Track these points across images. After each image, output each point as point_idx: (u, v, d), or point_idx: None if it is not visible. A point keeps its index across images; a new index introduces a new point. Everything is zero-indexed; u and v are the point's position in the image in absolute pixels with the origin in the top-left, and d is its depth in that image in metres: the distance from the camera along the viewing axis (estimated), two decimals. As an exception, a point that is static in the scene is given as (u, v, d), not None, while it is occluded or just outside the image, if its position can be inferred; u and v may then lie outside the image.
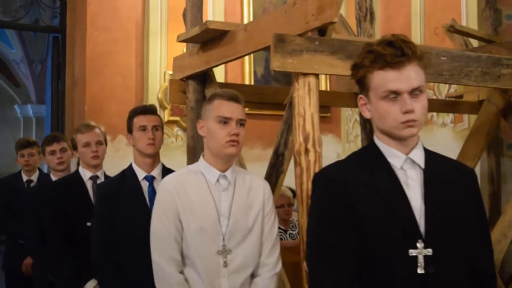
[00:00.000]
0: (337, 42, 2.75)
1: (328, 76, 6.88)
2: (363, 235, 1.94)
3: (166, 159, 3.54)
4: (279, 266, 2.71)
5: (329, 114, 7.10)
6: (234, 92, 2.68)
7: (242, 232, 2.61)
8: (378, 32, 8.18)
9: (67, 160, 4.58)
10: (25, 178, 5.53)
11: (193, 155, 3.59)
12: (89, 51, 6.85)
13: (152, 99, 6.75)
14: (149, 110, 3.37)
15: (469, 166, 2.24)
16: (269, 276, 2.65)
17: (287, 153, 3.19)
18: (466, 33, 3.82)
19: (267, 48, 2.83)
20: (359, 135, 5.32)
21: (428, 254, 1.92)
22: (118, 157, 5.86)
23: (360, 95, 2.06)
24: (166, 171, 3.29)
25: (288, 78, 4.84)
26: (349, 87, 3.96)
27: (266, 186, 2.75)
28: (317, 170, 2.57)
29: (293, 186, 3.40)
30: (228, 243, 2.58)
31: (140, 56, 7.03)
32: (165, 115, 6.98)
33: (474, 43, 4.70)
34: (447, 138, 6.26)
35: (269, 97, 4.09)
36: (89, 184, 3.87)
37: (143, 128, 3.27)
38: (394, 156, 2.01)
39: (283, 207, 5.12)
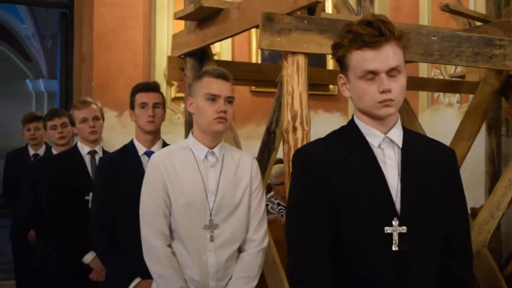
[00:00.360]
0: (326, 21, 2.78)
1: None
2: (340, 212, 1.97)
3: (172, 135, 3.59)
4: (266, 242, 2.76)
5: (336, 93, 7.11)
6: (223, 70, 2.71)
7: (229, 207, 2.66)
8: (387, 9, 8.16)
9: (68, 135, 4.63)
10: (31, 152, 5.63)
11: (190, 130, 3.64)
12: (97, 27, 6.89)
13: (159, 76, 6.80)
14: (151, 87, 3.40)
15: (449, 146, 2.26)
16: (255, 251, 2.71)
17: (278, 131, 3.22)
18: (460, 13, 3.81)
19: (258, 26, 2.86)
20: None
21: (403, 231, 1.95)
22: (126, 133, 5.90)
23: (340, 75, 2.07)
24: None
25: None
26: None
27: (254, 163, 2.79)
28: (305, 148, 2.60)
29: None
30: (215, 218, 2.64)
31: (147, 33, 7.06)
32: (172, 92, 7.03)
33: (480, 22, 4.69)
34: (453, 117, 6.27)
35: (268, 74, 4.12)
36: (87, 159, 3.95)
37: (144, 105, 3.30)
38: (372, 135, 2.04)
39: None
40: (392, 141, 2.04)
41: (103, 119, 4.08)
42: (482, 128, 4.87)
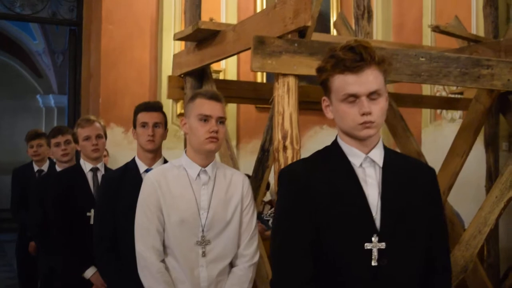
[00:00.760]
0: (316, 43, 2.87)
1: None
2: (322, 229, 2.05)
3: (178, 151, 3.64)
4: (257, 257, 2.85)
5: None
6: (215, 91, 2.81)
7: (221, 224, 2.75)
8: (391, 27, 8.27)
9: (71, 152, 4.70)
10: (36, 168, 5.73)
11: (184, 149, 3.73)
12: (104, 45, 7.03)
13: (165, 93, 6.87)
14: (152, 107, 3.47)
15: (429, 165, 2.34)
16: (246, 266, 2.80)
17: (272, 149, 3.31)
18: (450, 33, 3.90)
19: (251, 49, 2.95)
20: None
21: (382, 247, 2.03)
22: (132, 149, 5.97)
23: (324, 97, 2.16)
24: None
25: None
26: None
27: (246, 181, 2.88)
28: (294, 166, 2.68)
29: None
30: (207, 234, 2.73)
31: (153, 51, 7.18)
32: (178, 108, 7.14)
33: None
34: (455, 133, 6.33)
35: (265, 93, 4.21)
36: (89, 176, 4.02)
37: (144, 124, 3.38)
38: (354, 155, 2.12)
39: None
40: (373, 160, 2.12)
41: (106, 137, 4.15)
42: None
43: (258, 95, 4.17)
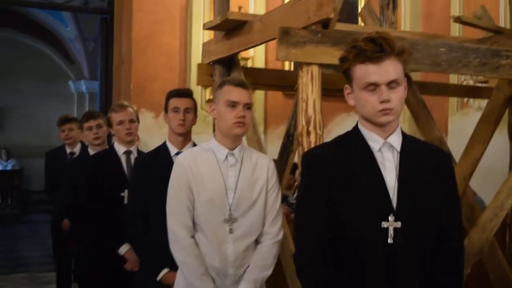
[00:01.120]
0: (338, 34, 3.00)
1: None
2: (341, 208, 2.20)
3: (206, 135, 3.79)
4: (281, 235, 3.02)
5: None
6: (242, 79, 2.98)
7: (247, 203, 2.92)
8: (419, 17, 8.29)
9: (103, 136, 4.89)
10: (68, 150, 5.95)
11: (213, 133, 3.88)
12: (135, 32, 7.16)
13: (194, 79, 7.00)
14: (183, 93, 3.62)
15: (444, 150, 2.47)
16: (270, 243, 2.97)
17: (296, 134, 3.45)
18: (471, 24, 3.99)
19: (277, 39, 3.09)
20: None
21: (398, 226, 2.17)
22: (162, 133, 6.12)
23: (346, 85, 2.31)
24: None
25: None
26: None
27: (271, 163, 3.05)
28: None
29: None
30: (234, 213, 2.90)
31: (183, 38, 7.31)
32: (207, 94, 7.29)
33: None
34: (482, 121, 6.38)
35: (292, 80, 4.34)
36: (123, 158, 4.21)
37: (176, 110, 3.53)
38: (373, 140, 2.26)
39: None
40: (391, 145, 2.26)
41: (138, 122, 4.32)
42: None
43: (285, 83, 4.31)
